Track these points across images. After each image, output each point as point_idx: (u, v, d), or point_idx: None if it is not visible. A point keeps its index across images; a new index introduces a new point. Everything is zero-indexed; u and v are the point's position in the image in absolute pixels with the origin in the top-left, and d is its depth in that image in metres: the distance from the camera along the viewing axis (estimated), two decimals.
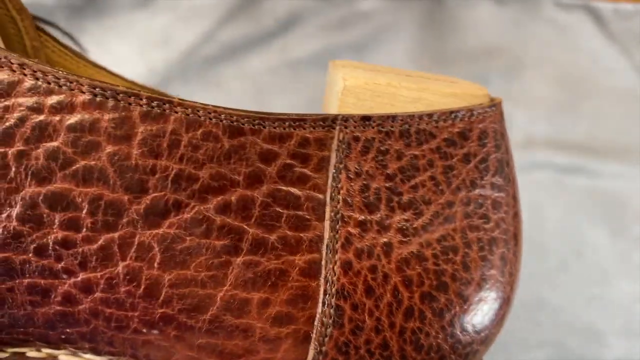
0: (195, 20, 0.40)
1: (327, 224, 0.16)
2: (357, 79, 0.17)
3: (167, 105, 0.15)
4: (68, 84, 0.15)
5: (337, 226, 0.16)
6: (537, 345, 0.36)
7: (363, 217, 0.16)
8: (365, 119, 0.17)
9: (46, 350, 0.16)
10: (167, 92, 0.39)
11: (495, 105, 0.18)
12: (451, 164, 0.17)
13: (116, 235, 0.15)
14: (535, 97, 0.39)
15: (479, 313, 0.17)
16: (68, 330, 0.15)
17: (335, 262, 0.16)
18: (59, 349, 0.16)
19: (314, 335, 0.16)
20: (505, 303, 0.18)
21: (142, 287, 0.15)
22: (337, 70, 0.18)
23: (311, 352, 0.16)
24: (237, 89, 0.39)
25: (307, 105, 0.39)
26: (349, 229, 0.16)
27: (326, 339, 0.16)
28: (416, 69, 0.40)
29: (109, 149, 0.15)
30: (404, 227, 0.16)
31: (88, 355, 0.16)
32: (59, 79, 0.15)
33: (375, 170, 0.16)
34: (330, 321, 0.16)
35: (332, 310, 0.16)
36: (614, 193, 0.38)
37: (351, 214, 0.16)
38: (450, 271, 0.17)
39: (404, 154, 0.17)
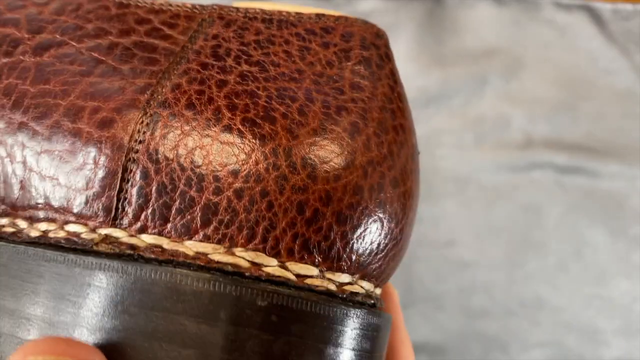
0: None
1: (172, 59, 0.18)
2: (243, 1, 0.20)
3: None
4: None
5: (181, 63, 0.18)
6: (536, 345, 0.36)
7: (207, 61, 0.18)
8: (237, 8, 0.19)
9: None
10: None
11: (369, 23, 0.19)
12: (308, 45, 0.18)
13: (8, 60, 0.18)
14: (534, 97, 0.39)
15: (312, 154, 0.16)
16: None
17: (166, 85, 0.17)
18: None
19: (127, 142, 0.16)
20: (350, 166, 0.17)
21: (12, 99, 0.18)
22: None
23: (125, 159, 0.16)
24: None
25: None
26: (190, 65, 0.18)
27: (139, 145, 0.16)
28: (416, 69, 0.40)
29: (30, 10, 0.20)
30: (245, 74, 0.17)
31: None
32: None
33: (232, 38, 0.18)
34: (147, 128, 0.17)
35: (149, 118, 0.17)
36: (613, 193, 0.38)
37: (197, 58, 0.18)
38: (282, 110, 0.17)
39: (263, 32, 0.19)
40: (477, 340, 0.36)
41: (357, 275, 0.17)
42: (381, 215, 0.17)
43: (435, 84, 0.39)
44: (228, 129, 0.16)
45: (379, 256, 0.17)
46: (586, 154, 0.38)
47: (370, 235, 0.17)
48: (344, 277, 0.16)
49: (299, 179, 0.16)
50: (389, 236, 0.17)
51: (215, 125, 0.16)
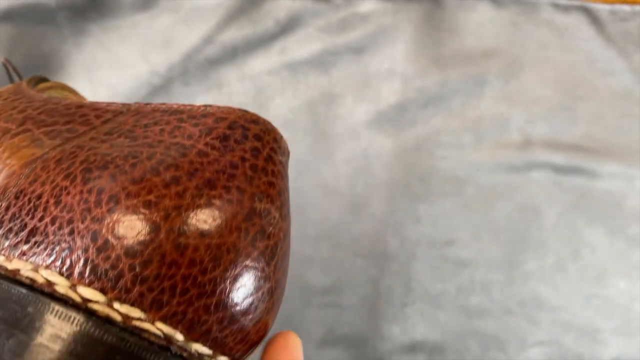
0: (197, 22, 0.40)
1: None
2: None
3: None
4: None
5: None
6: (535, 344, 0.36)
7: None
8: None
9: None
10: (169, 93, 0.39)
11: (249, 113, 0.20)
12: (182, 124, 0.19)
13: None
14: (533, 98, 0.39)
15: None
16: None
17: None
18: None
19: None
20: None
21: None
22: None
23: None
24: (237, 90, 0.40)
25: (307, 106, 0.39)
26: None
27: None
28: (415, 70, 0.40)
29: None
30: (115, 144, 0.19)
31: None
32: None
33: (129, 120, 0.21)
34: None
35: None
36: (612, 193, 0.38)
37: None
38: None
39: (158, 117, 0.20)
40: (476, 339, 0.36)
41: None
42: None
43: (434, 84, 0.39)
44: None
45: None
46: (584, 154, 0.38)
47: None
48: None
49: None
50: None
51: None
